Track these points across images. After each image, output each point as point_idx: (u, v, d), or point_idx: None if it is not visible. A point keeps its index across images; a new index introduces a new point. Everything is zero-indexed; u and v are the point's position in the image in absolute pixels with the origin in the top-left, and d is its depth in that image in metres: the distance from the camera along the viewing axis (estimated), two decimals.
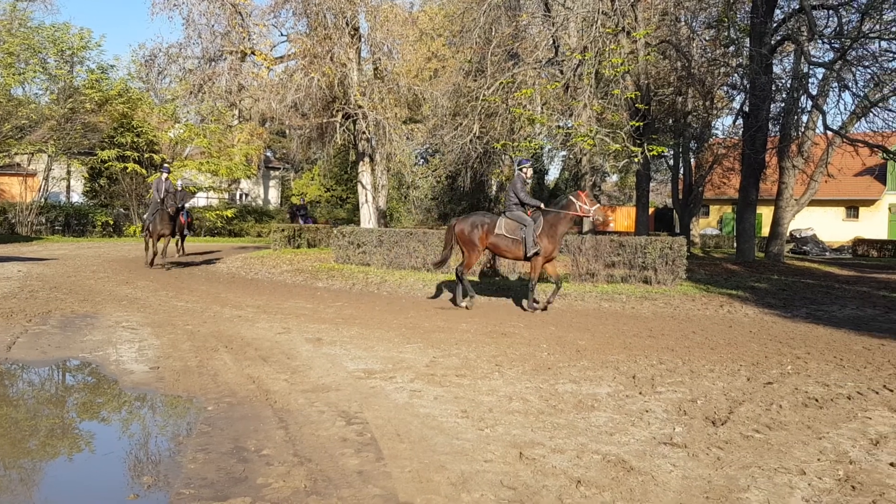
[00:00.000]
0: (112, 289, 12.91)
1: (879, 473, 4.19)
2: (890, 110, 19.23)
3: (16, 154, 33.32)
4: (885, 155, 21.66)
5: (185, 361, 6.94)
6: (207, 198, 40.34)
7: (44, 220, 31.22)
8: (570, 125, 20.64)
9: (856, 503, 3.77)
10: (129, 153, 33.16)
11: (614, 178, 59.11)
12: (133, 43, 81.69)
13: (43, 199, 32.68)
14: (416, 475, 4.07)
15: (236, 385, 6.06)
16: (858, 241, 34.05)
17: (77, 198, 37.35)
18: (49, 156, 33.08)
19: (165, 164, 17.67)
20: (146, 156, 33.90)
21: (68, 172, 37.31)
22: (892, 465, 4.33)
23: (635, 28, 18.93)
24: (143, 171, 33.40)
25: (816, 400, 5.83)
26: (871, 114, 19.73)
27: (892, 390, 6.21)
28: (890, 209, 37.54)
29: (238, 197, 45.90)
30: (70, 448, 4.78)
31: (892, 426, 5.14)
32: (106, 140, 33.69)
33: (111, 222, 32.64)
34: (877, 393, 6.12)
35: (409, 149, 24.33)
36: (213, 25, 19.99)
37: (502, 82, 20.10)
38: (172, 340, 8.02)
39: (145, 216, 17.73)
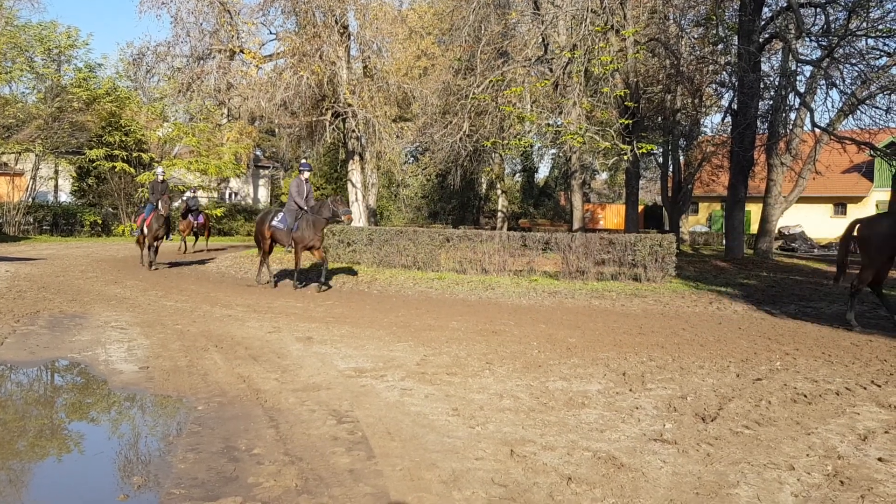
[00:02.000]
0: (101, 288, 12.83)
1: (867, 468, 4.22)
2: (877, 108, 19.34)
3: (3, 153, 33.02)
4: (872, 152, 21.77)
5: (174, 361, 6.91)
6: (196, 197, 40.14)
7: (31, 220, 30.98)
8: (559, 123, 20.67)
9: (844, 498, 3.80)
10: (117, 152, 32.96)
11: (604, 175, 59.33)
12: (121, 41, 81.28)
13: (31, 199, 32.43)
14: (408, 473, 4.07)
15: (227, 384, 6.04)
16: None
17: (65, 197, 37.10)
18: (36, 155, 32.82)
19: (304, 161, 14.81)
20: (134, 155, 33.72)
21: (56, 172, 37.04)
22: (879, 459, 4.36)
23: (624, 26, 18.96)
24: (132, 170, 33.21)
25: (805, 396, 5.86)
26: (858, 111, 19.85)
27: (879, 386, 6.25)
28: (877, 206, 37.72)
29: (227, 196, 45.75)
30: (59, 449, 4.75)
31: (880, 421, 5.18)
32: (94, 139, 33.47)
33: (100, 222, 32.44)
34: (865, 388, 6.16)
35: (398, 147, 24.26)
36: (201, 24, 19.90)
37: (492, 80, 20.09)
38: (162, 340, 7.99)
39: (275, 221, 13.81)
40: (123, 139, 33.35)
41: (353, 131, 20.69)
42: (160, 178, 17.14)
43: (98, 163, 32.74)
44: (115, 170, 32.86)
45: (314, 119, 20.97)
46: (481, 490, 3.84)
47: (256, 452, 4.40)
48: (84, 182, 34.17)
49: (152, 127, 36.40)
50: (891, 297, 12.87)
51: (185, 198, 24.12)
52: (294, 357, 7.19)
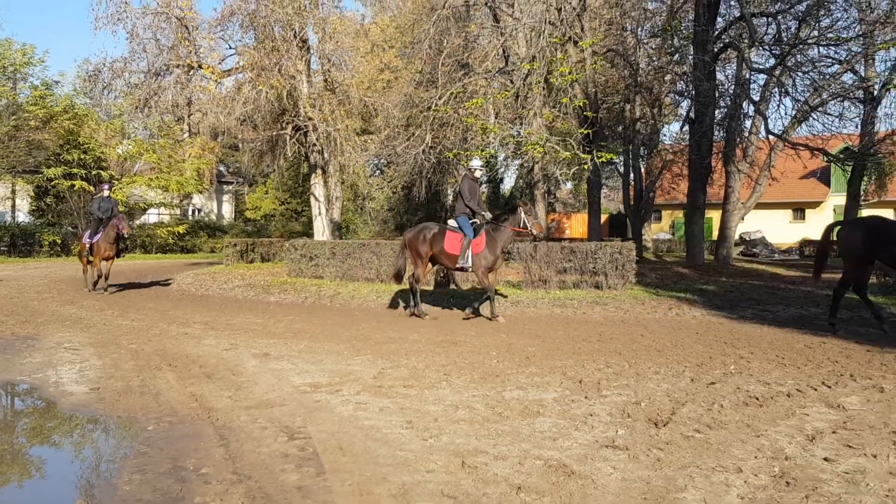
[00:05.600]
0: (56, 309, 12.59)
1: (813, 469, 4.27)
2: (829, 114, 19.75)
3: None
4: (825, 158, 22.23)
5: (126, 381, 6.79)
6: (158, 214, 39.64)
7: None
8: (521, 133, 20.79)
9: (789, 498, 3.84)
10: (76, 170, 32.49)
11: (569, 185, 59.74)
12: (78, 58, 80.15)
13: None
14: (357, 488, 4.03)
15: (178, 404, 5.95)
16: (805, 242, 34.88)
17: (23, 217, 36.43)
18: None
19: None
20: (94, 173, 33.25)
21: (13, 191, 36.39)
22: (825, 459, 4.42)
23: (582, 38, 19.18)
24: (91, 188, 32.71)
25: (757, 398, 5.93)
26: (811, 118, 20.25)
27: (830, 387, 6.35)
28: (835, 210, 38.50)
29: (190, 212, 45.27)
30: (2, 471, 4.62)
31: (828, 422, 5.25)
32: (52, 158, 32.95)
33: (59, 241, 31.88)
34: (815, 390, 6.25)
35: (362, 160, 24.22)
36: (158, 39, 19.77)
37: (453, 92, 20.17)
38: (115, 360, 7.84)
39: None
40: (82, 157, 32.88)
41: (315, 145, 20.61)
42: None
43: (56, 181, 32.21)
44: (75, 188, 32.34)
45: (275, 133, 20.86)
46: (431, 502, 3.81)
47: (204, 472, 4.32)
48: (42, 201, 33.59)
49: (112, 144, 35.93)
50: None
51: (102, 197, 16.21)
52: (249, 374, 7.10)
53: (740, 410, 5.58)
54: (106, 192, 16.18)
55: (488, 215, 11.45)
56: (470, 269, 11.37)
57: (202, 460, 4.53)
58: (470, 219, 11.38)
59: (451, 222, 11.66)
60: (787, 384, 6.47)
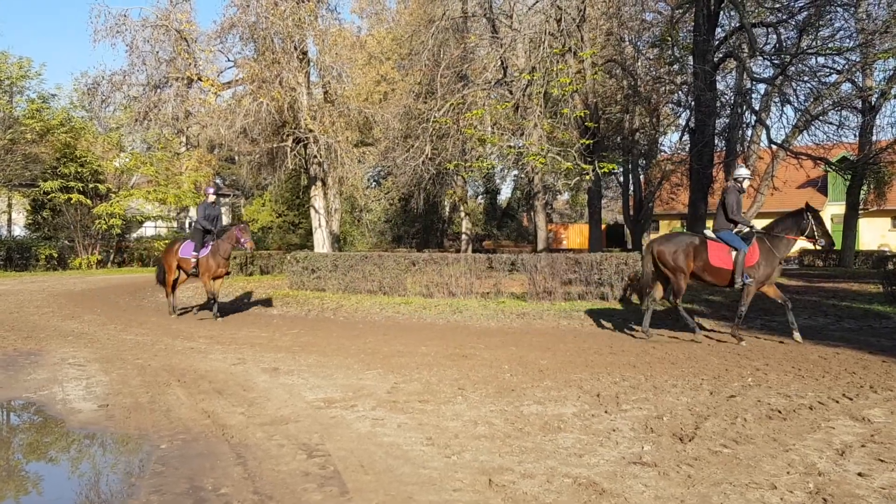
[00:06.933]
0: (58, 324, 12.44)
1: (849, 484, 4.18)
2: (830, 123, 19.75)
3: None
4: (827, 167, 22.22)
5: (135, 398, 6.66)
6: (155, 227, 39.47)
7: None
8: (521, 145, 20.77)
9: None
10: (72, 184, 32.23)
11: (566, 195, 59.82)
12: (75, 71, 79.97)
13: None
14: None
15: (190, 420, 5.82)
16: (804, 252, 34.86)
17: (19, 231, 36.19)
18: None
19: None
20: (91, 186, 33.04)
21: (9, 205, 36.19)
22: (859, 475, 4.33)
23: (581, 48, 19.17)
24: (88, 201, 32.51)
25: (780, 411, 5.84)
26: (812, 127, 20.26)
27: (851, 399, 6.26)
28: (832, 219, 38.53)
29: (187, 225, 45.05)
30: (16, 492, 4.50)
31: (856, 435, 5.16)
32: (48, 171, 32.73)
33: (55, 255, 31.65)
34: (837, 402, 6.16)
35: (361, 172, 24.17)
36: (157, 52, 19.64)
37: (452, 104, 20.14)
38: (122, 376, 7.71)
39: None
40: (79, 170, 32.65)
41: (315, 157, 20.51)
42: None
43: (53, 195, 31.99)
44: (71, 201, 32.13)
45: (275, 145, 20.76)
46: None
47: (224, 492, 4.20)
48: (39, 215, 33.33)
49: (109, 157, 35.74)
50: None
51: (207, 203, 13.91)
52: (260, 389, 6.98)
53: (764, 424, 5.48)
54: (212, 198, 13.81)
55: (756, 226, 10.43)
56: (747, 285, 9.99)
57: (220, 480, 4.41)
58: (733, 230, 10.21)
59: (708, 233, 10.41)
60: (808, 396, 6.38)
